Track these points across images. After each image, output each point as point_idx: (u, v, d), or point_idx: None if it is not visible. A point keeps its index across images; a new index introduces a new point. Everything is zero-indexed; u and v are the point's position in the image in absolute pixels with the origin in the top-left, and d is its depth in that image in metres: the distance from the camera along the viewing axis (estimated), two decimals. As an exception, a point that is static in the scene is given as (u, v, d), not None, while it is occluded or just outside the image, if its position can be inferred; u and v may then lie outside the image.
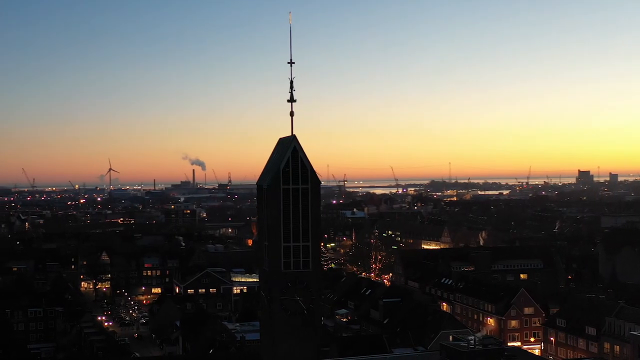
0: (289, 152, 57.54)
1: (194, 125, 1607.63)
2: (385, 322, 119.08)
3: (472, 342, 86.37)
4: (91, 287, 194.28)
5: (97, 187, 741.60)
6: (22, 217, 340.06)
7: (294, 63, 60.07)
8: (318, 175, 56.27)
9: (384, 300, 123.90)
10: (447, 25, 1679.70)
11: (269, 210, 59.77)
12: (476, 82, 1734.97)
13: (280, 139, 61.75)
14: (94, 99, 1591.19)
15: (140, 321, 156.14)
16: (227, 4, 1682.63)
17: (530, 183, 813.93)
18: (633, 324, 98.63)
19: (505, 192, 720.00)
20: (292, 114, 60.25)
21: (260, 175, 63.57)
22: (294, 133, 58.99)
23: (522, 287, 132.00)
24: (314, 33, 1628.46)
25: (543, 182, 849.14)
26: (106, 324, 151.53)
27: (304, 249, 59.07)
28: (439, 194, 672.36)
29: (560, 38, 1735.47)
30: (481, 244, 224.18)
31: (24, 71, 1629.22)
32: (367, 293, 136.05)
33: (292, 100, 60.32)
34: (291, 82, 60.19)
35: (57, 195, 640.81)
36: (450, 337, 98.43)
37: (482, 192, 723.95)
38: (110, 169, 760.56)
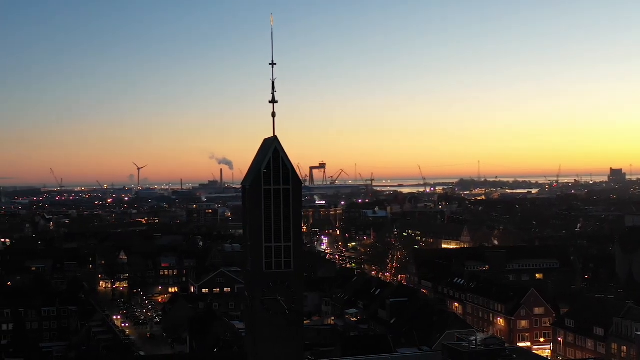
0: (270, 153, 57.63)
1: (220, 125, 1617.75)
2: (392, 321, 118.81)
3: (474, 342, 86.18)
4: (109, 286, 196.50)
5: (125, 187, 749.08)
6: (47, 217, 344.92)
7: (275, 64, 60.18)
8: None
9: (391, 300, 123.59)
10: (475, 21, 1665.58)
11: (251, 210, 60.02)
12: (506, 79, 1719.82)
13: (265, 139, 61.91)
14: (121, 100, 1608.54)
15: (154, 320, 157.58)
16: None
17: (560, 182, 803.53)
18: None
19: (534, 190, 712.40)
20: (274, 115, 60.37)
21: (245, 176, 63.85)
22: (275, 134, 59.17)
23: (533, 287, 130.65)
24: (338, 31, 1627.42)
25: (573, 181, 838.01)
26: (123, 324, 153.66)
27: (286, 249, 59.22)
28: (467, 192, 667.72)
29: (592, 33, 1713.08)
30: (497, 243, 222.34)
31: (55, 73, 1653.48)
32: (376, 293, 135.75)
33: (273, 101, 60.47)
34: (273, 83, 60.35)
35: (86, 195, 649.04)
36: (455, 337, 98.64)
37: (511, 191, 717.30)
38: (139, 169, 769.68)
